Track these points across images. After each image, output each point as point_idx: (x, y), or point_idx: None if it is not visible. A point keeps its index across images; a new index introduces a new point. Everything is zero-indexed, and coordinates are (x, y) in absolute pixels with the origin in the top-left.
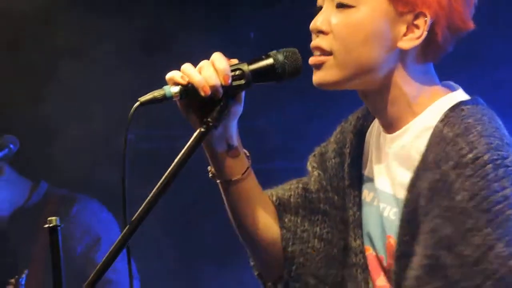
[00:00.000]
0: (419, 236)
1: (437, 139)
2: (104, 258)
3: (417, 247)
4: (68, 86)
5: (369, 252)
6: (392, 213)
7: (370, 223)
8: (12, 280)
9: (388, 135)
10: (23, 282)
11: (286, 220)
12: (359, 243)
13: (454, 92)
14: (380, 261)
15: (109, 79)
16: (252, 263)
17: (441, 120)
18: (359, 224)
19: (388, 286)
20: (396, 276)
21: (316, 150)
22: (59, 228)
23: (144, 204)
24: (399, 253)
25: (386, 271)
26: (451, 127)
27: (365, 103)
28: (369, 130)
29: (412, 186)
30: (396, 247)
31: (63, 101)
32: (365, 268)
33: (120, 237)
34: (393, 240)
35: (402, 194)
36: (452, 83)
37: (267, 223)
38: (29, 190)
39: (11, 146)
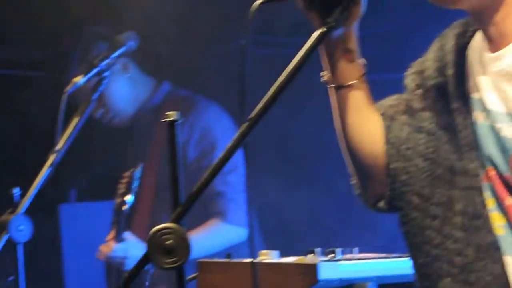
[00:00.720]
0: None
1: None
2: (219, 156)
3: None
4: None
5: (492, 173)
6: (510, 132)
7: (487, 144)
8: (127, 174)
9: (493, 54)
10: (137, 176)
11: (390, 135)
12: (476, 165)
13: None
14: (506, 181)
15: None
16: (353, 182)
17: None
18: (474, 146)
19: None
20: None
21: (414, 67)
22: (177, 123)
23: (262, 102)
24: None
25: None
26: None
27: (474, 20)
28: (470, 49)
29: None
30: None
31: None
32: (481, 190)
33: (237, 134)
34: None
35: None
36: None
37: (373, 136)
38: (152, 89)
39: (131, 42)
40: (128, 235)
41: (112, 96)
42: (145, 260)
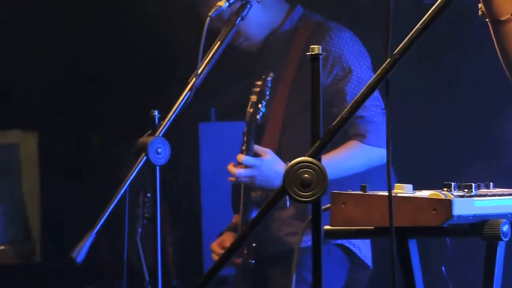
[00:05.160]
0: None
1: None
2: (361, 92)
3: None
4: None
5: None
6: None
7: None
8: (259, 82)
9: None
10: (269, 84)
11: None
12: None
13: None
14: None
15: None
16: None
17: None
18: None
19: None
20: None
21: None
22: (320, 56)
23: (408, 38)
24: None
25: None
26: None
27: None
28: None
29: None
30: None
31: None
32: None
33: (380, 70)
34: None
35: None
36: None
37: None
38: (284, 14)
39: None
40: (261, 149)
41: (244, 20)
42: (281, 192)
